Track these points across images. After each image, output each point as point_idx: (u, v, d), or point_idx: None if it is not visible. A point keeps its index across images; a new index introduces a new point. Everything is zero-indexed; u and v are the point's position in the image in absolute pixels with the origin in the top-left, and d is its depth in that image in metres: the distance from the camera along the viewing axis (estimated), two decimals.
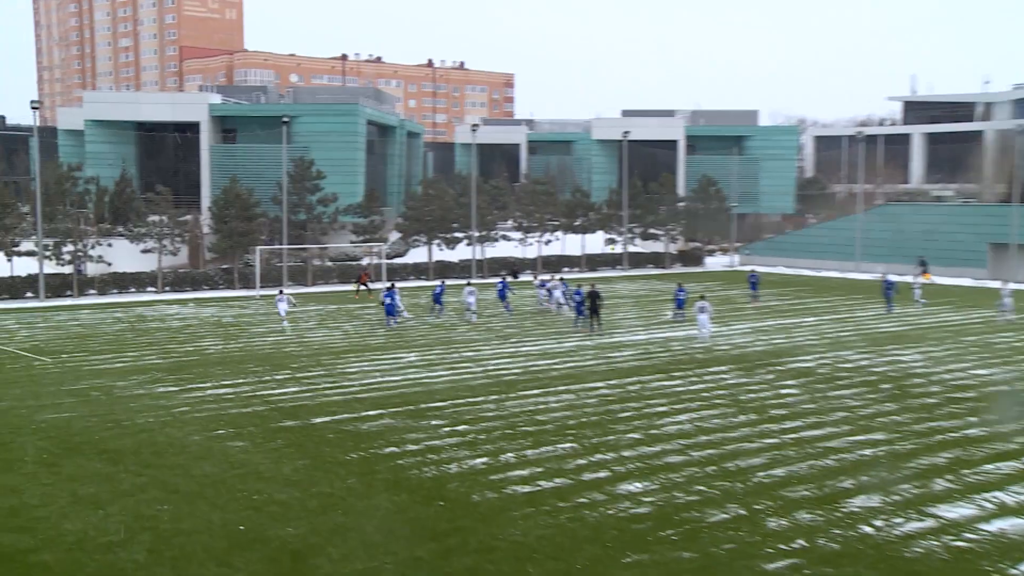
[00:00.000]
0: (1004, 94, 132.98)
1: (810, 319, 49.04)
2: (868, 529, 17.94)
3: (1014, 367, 34.98)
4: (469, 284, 51.71)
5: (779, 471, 21.49)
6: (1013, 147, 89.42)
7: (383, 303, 47.22)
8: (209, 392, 30.59)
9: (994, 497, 19.73)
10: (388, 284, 51.39)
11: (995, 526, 18.13)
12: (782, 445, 23.72)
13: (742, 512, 18.81)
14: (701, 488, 20.27)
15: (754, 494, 19.88)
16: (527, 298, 56.60)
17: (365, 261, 76.13)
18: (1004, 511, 18.95)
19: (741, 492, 20.02)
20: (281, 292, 49.90)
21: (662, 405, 28.38)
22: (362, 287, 61.82)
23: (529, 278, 55.55)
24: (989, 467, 21.84)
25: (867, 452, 23.08)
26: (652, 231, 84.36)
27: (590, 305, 44.03)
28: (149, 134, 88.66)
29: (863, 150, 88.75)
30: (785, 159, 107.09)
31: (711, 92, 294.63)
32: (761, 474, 21.27)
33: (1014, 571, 16.14)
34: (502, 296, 52.01)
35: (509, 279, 60.92)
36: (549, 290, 52.70)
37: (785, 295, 60.92)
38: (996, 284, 62.18)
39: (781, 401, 28.95)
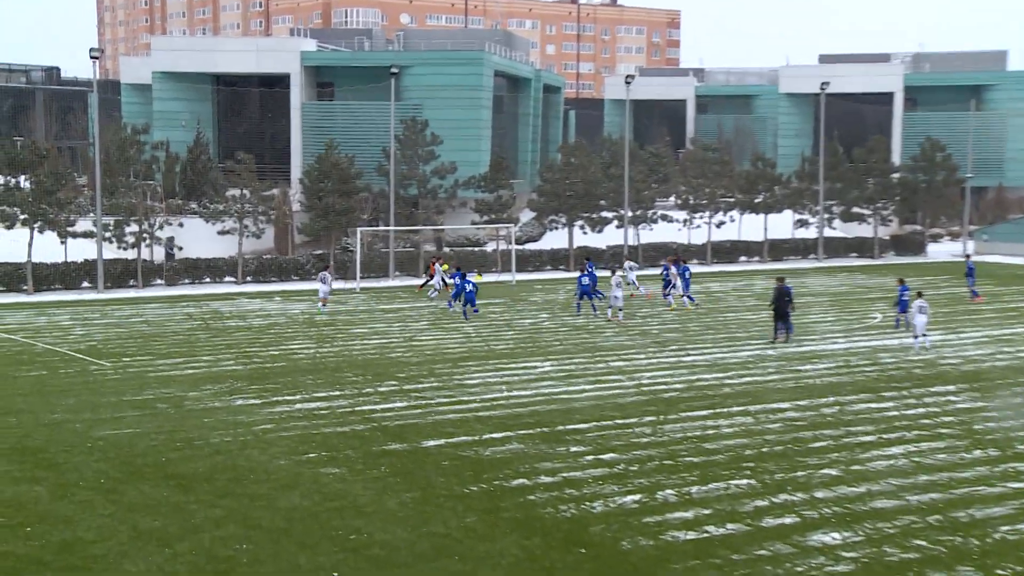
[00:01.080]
0: None
1: None
2: None
3: None
4: (615, 273, 51.75)
5: None
6: None
7: (453, 282, 50.90)
8: (298, 406, 31.29)
9: None
10: (456, 266, 54.66)
11: None
12: None
13: None
14: (921, 543, 19.77)
15: (995, 554, 19.29)
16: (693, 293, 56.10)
17: (490, 247, 76.78)
18: None
19: (977, 551, 19.45)
20: (327, 268, 53.66)
21: (868, 433, 27.79)
22: (429, 281, 60.85)
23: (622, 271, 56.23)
24: None
25: None
26: (857, 210, 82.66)
27: (776, 306, 43.34)
28: (229, 89, 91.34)
29: None
30: None
31: (941, 28, 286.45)
32: (1004, 528, 20.62)
33: None
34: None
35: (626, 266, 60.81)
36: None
37: None
38: None
39: None
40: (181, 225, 68.38)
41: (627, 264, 59.89)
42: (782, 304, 43.24)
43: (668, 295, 53.91)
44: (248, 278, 66.83)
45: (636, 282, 58.05)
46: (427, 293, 58.19)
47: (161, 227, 65.66)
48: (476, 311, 49.74)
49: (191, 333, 46.02)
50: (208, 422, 29.25)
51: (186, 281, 65.60)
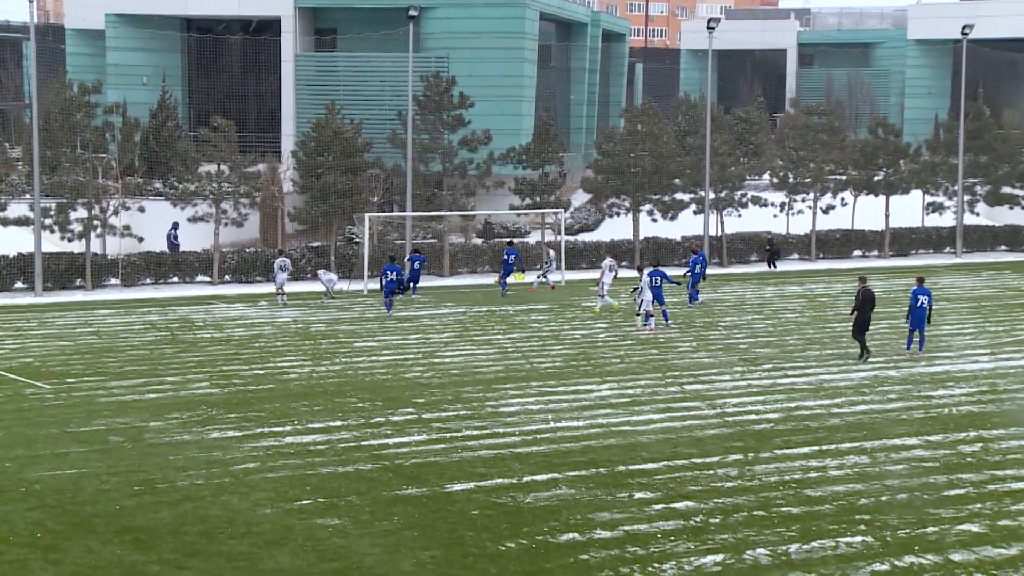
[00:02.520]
0: None
1: None
2: None
3: None
4: (644, 272, 51.46)
5: None
6: None
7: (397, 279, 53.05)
8: (289, 440, 31.35)
9: None
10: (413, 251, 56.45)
11: None
12: None
13: None
14: None
15: None
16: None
17: (534, 238, 76.76)
18: None
19: None
20: (327, 267, 53.47)
21: (1021, 479, 27.62)
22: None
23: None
24: None
25: None
26: (1008, 191, 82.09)
27: (858, 314, 43.02)
28: (204, 37, 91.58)
29: None
30: None
31: None
32: None
33: None
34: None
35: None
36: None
37: None
38: None
39: None
40: (142, 209, 68.07)
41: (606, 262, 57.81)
42: (866, 311, 42.98)
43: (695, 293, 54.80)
44: (226, 277, 66.93)
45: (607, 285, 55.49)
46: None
47: (116, 212, 65.23)
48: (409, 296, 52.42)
49: (154, 347, 46.17)
50: (174, 460, 29.29)
51: (147, 281, 65.56)
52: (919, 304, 43.15)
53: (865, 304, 42.97)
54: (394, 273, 53.30)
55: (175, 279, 66.32)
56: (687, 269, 56.93)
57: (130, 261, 65.44)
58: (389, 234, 72.34)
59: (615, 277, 55.39)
